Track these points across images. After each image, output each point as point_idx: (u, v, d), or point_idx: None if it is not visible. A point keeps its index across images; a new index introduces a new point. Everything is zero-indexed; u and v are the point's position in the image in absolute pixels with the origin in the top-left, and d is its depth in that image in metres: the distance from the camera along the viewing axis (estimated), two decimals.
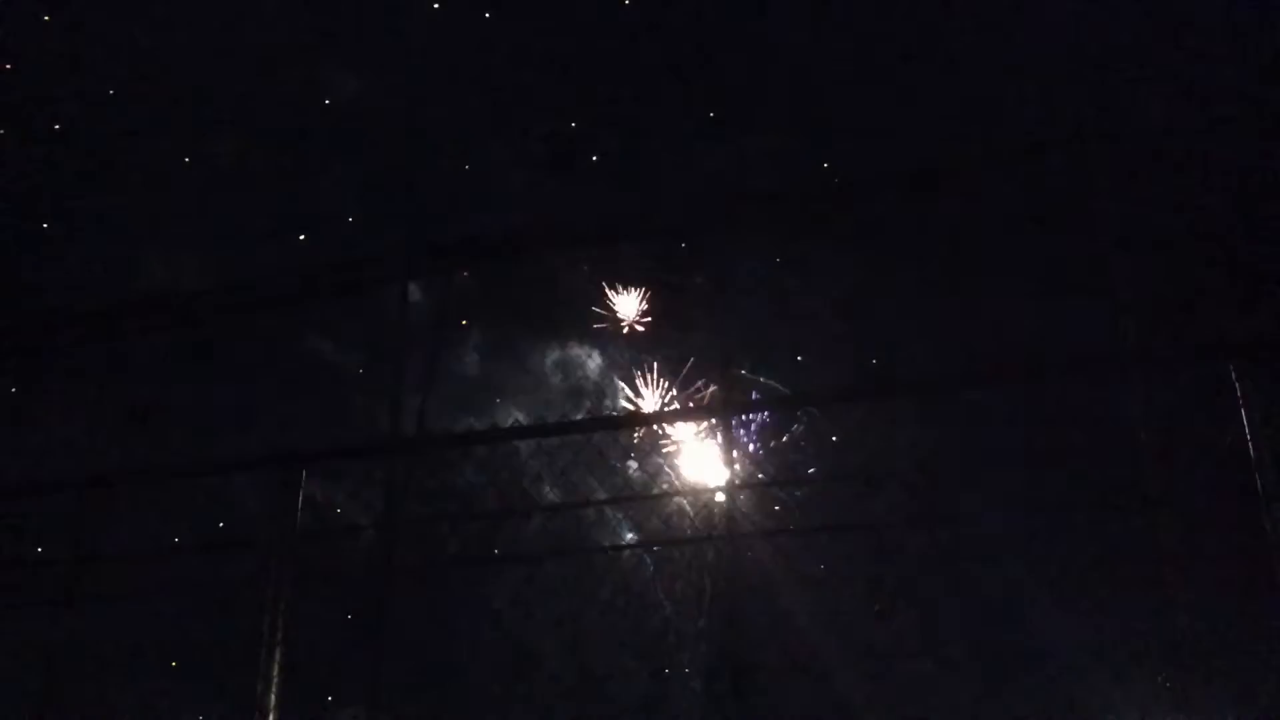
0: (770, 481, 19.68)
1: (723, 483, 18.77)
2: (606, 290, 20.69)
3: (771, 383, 20.69)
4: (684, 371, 20.75)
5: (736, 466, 20.04)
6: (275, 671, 6.40)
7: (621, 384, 21.02)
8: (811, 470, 19.92)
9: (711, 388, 20.77)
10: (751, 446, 20.11)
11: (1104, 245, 12.85)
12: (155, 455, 17.58)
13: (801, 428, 19.76)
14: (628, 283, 21.10)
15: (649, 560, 19.22)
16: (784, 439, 20.16)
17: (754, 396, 20.84)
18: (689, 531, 19.06)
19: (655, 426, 20.11)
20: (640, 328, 20.56)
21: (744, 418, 20.14)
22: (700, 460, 20.55)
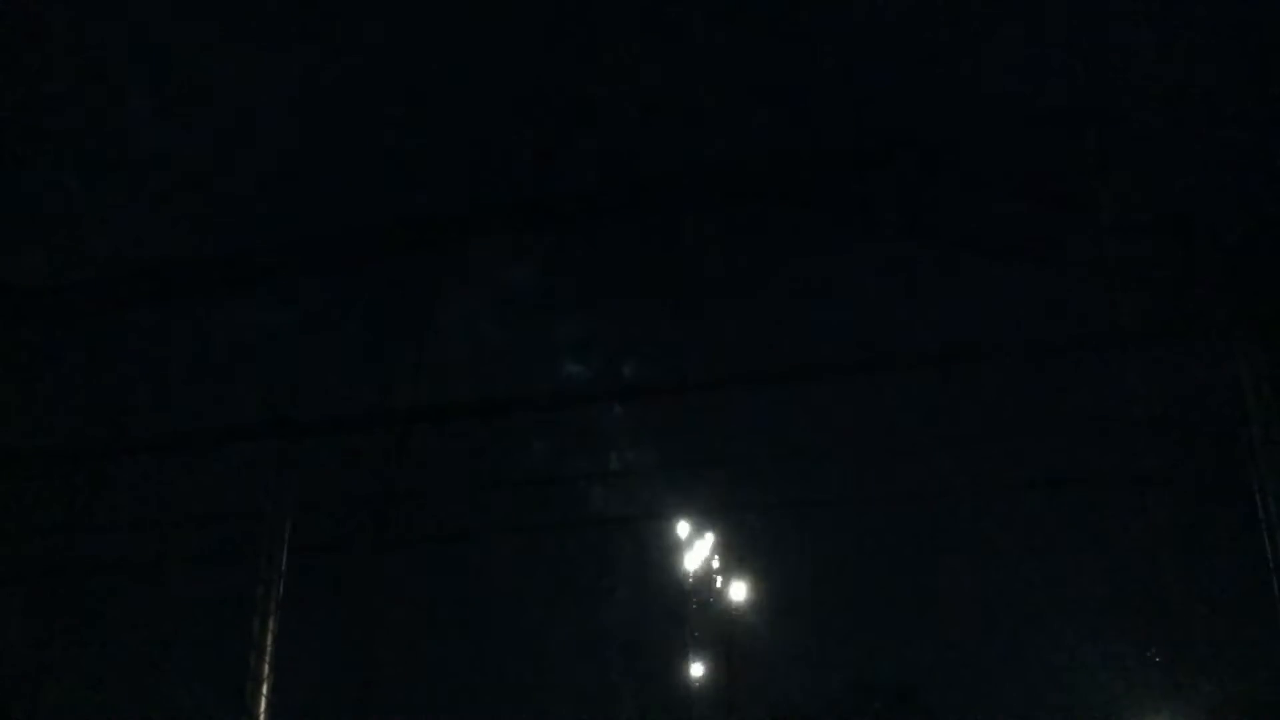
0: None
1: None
2: None
3: None
4: None
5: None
6: (269, 641, 6.40)
7: None
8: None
9: None
10: None
11: (1102, 222, 12.78)
12: (149, 426, 17.53)
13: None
14: None
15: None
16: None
17: None
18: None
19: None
20: None
21: None
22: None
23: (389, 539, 15.48)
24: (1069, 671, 14.44)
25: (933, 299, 18.89)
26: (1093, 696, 13.96)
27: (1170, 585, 11.02)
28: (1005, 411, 15.93)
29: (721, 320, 21.50)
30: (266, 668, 6.14)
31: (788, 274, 20.98)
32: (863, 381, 18.30)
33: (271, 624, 6.08)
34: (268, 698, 6.44)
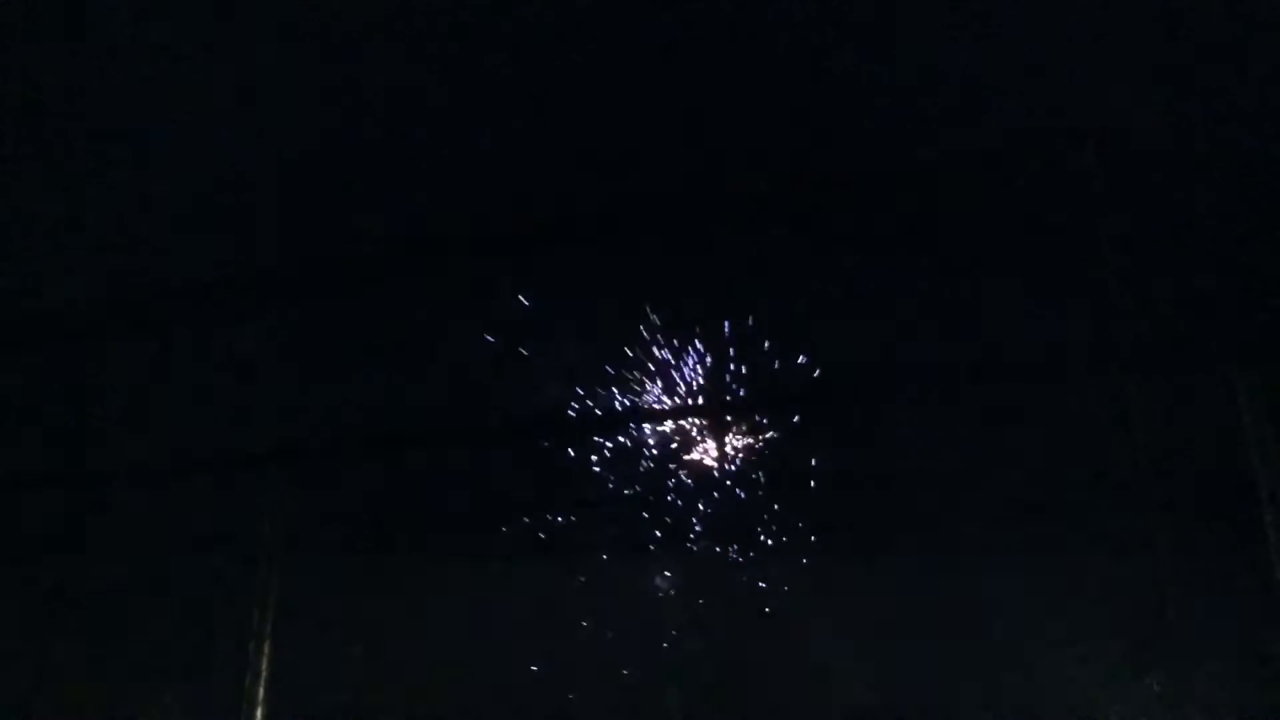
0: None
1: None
2: None
3: None
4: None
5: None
6: (264, 665, 6.37)
7: None
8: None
9: None
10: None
11: (1101, 248, 12.84)
12: (149, 448, 17.54)
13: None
14: None
15: None
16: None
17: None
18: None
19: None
20: None
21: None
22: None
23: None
24: (1065, 690, 14.38)
25: (928, 320, 18.89)
26: (1090, 705, 13.91)
27: (1168, 604, 11.00)
28: (1003, 434, 15.92)
29: (722, 339, 21.49)
30: (262, 690, 6.13)
31: (787, 292, 20.98)
32: (862, 399, 18.30)
33: (267, 647, 6.07)
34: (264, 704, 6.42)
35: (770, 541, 19.04)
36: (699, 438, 20.04)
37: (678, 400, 20.41)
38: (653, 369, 20.80)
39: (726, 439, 19.76)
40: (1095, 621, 14.26)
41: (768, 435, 20.26)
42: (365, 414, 18.49)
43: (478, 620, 18.36)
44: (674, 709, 17.07)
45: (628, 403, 20.44)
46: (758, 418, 20.16)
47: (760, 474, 20.04)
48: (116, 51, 18.68)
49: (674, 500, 19.62)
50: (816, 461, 19.91)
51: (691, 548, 19.03)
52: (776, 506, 19.76)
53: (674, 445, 20.16)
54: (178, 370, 17.66)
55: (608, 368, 20.84)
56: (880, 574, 17.90)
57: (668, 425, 19.75)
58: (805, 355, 20.77)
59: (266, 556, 6.80)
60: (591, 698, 17.55)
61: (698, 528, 19.25)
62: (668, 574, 19.21)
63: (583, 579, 18.78)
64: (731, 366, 20.64)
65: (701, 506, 19.09)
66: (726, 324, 21.11)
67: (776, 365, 20.72)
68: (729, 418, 19.43)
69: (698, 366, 20.66)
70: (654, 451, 20.03)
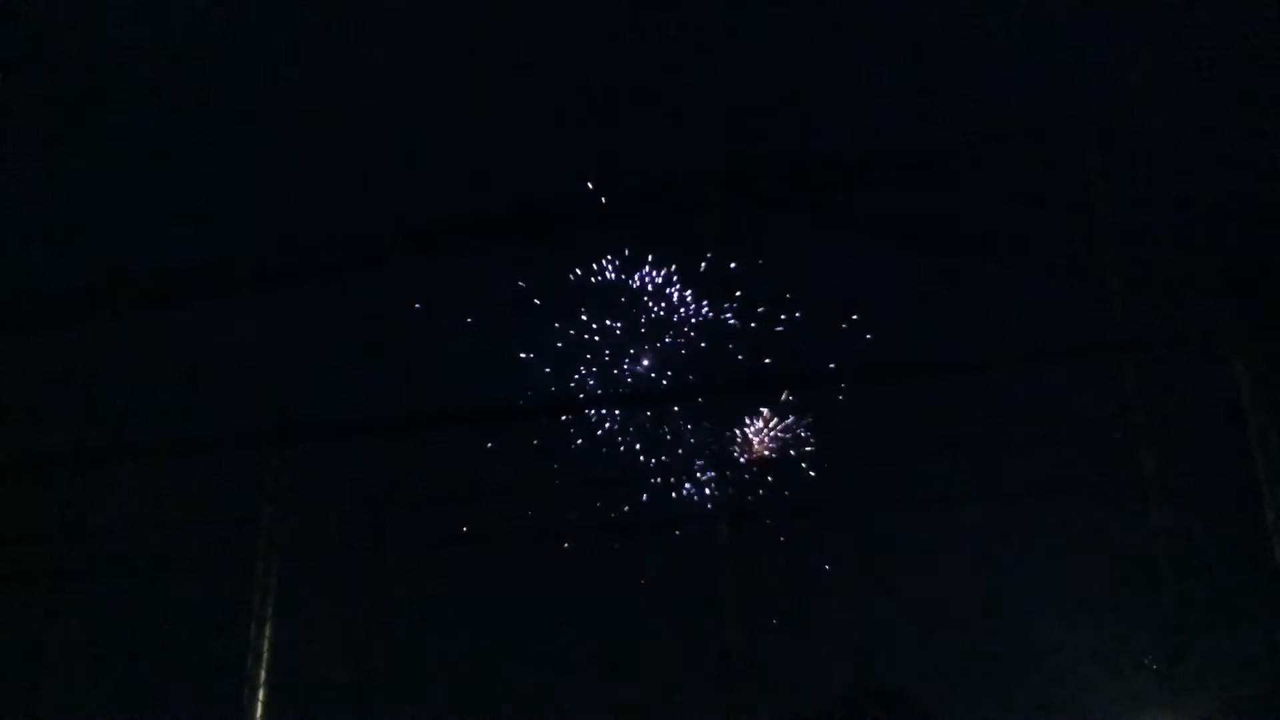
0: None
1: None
2: None
3: None
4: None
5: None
6: (265, 647, 6.40)
7: None
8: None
9: None
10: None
11: (1102, 232, 12.80)
12: (149, 430, 17.54)
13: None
14: None
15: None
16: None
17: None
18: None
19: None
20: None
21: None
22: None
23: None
24: (1066, 676, 14.43)
25: (931, 305, 18.86)
26: (1090, 701, 13.95)
27: (1167, 590, 11.02)
28: (1004, 417, 15.92)
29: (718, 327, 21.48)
30: (263, 672, 6.15)
31: (782, 279, 20.95)
32: (861, 387, 18.31)
33: (268, 630, 6.09)
34: (264, 703, 6.45)
35: (772, 520, 19.08)
36: (704, 419, 20.01)
37: (681, 381, 20.38)
38: (654, 350, 20.77)
39: (734, 420, 19.71)
40: (1095, 615, 14.31)
41: (772, 417, 20.26)
42: (364, 401, 18.48)
43: (476, 603, 18.41)
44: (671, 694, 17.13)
45: (631, 386, 20.42)
46: (761, 400, 20.16)
47: (766, 454, 20.04)
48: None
49: (676, 481, 19.64)
50: (818, 444, 19.92)
51: (694, 528, 19.06)
52: (779, 487, 19.78)
53: (678, 425, 20.16)
54: (179, 356, 17.65)
55: (609, 355, 20.82)
56: (877, 564, 17.96)
57: (671, 408, 19.73)
58: (804, 340, 20.75)
59: (267, 541, 6.81)
60: (590, 693, 17.63)
61: (701, 508, 19.26)
62: (672, 555, 19.24)
63: (588, 565, 18.78)
64: (731, 347, 20.62)
65: (705, 487, 19.11)
66: (726, 314, 21.09)
67: (776, 350, 20.71)
68: (736, 400, 19.45)
69: (701, 347, 20.63)
70: (656, 431, 20.03)
